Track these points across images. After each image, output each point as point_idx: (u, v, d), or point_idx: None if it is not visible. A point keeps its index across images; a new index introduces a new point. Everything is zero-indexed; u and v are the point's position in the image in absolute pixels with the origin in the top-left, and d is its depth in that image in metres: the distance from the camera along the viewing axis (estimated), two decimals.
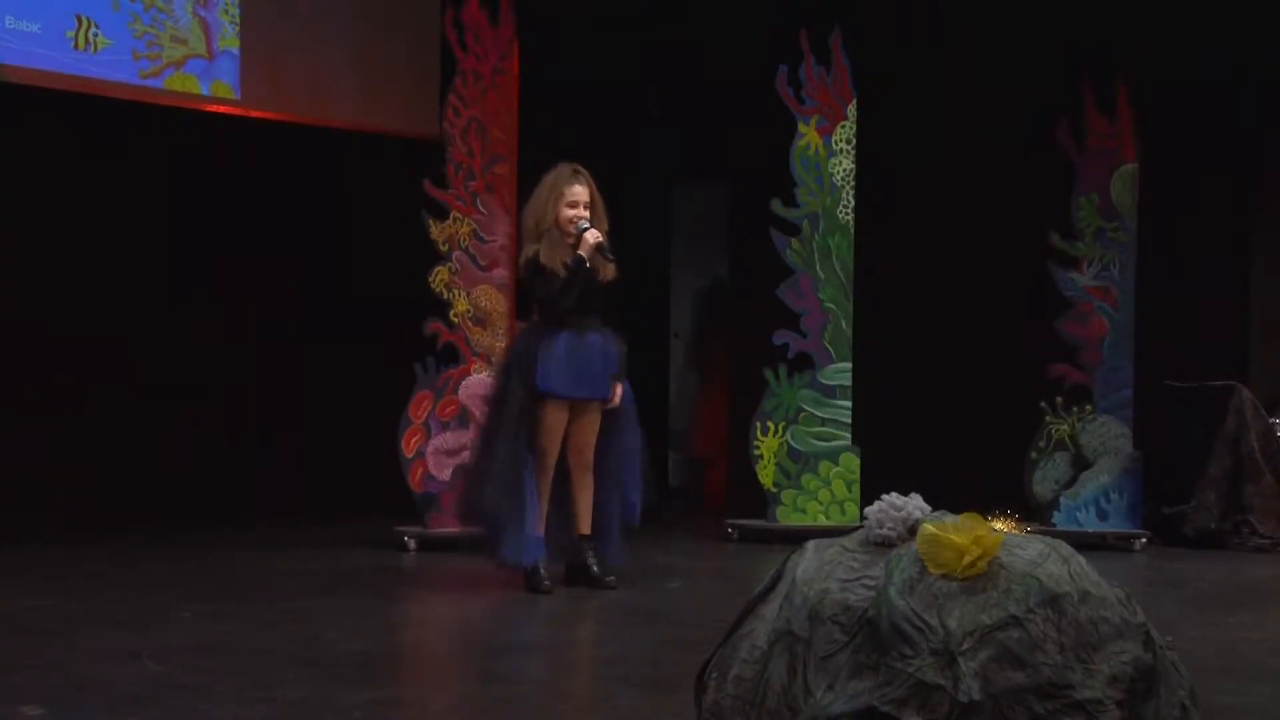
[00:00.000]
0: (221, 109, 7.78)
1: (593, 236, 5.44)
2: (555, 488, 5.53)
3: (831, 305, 7.47)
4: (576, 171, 5.59)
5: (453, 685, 3.94)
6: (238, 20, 7.74)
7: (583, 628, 4.82)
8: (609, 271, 5.53)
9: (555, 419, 5.44)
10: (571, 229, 5.47)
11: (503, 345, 7.08)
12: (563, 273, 5.40)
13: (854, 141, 7.33)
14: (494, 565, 5.53)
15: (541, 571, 5.48)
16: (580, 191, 5.53)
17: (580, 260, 5.42)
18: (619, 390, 5.60)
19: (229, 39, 7.74)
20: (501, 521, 5.37)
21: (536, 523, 5.42)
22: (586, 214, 5.51)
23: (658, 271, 10.14)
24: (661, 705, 3.55)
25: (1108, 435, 7.59)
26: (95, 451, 7.37)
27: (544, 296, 5.49)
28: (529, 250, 5.50)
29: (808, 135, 7.32)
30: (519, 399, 5.42)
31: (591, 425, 5.53)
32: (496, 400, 5.58)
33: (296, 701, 3.52)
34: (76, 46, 7.17)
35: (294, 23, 7.96)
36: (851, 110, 7.29)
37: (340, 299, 8.34)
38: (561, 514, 5.58)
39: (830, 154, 7.37)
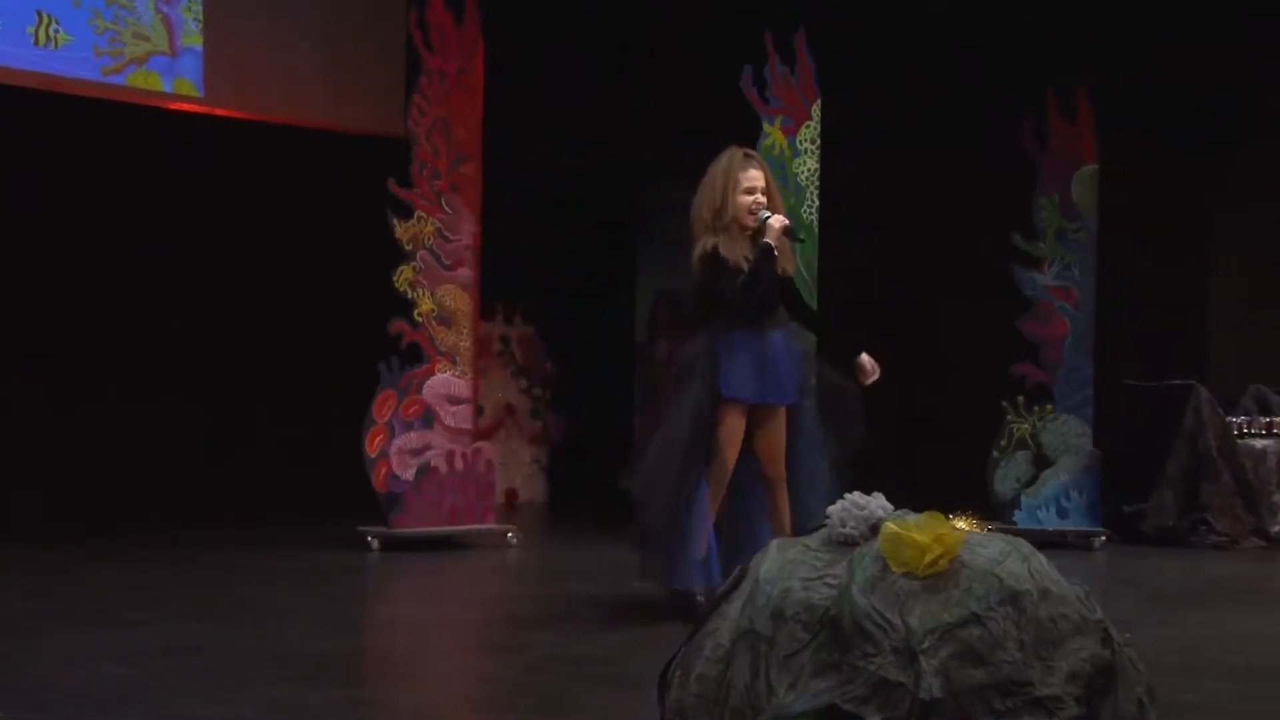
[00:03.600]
0: (184, 107, 7.74)
1: (778, 221, 4.91)
2: (731, 502, 5.00)
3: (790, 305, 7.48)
4: (749, 155, 5.06)
5: (419, 685, 3.94)
6: (201, 17, 7.70)
7: (549, 627, 4.82)
8: (789, 265, 5.05)
9: (736, 425, 4.90)
10: (751, 219, 4.93)
11: (467, 344, 7.08)
12: (745, 266, 4.87)
13: (818, 142, 7.35)
14: (667, 592, 4.96)
15: (700, 599, 4.73)
16: (756, 176, 4.97)
17: (768, 249, 4.88)
18: (869, 362, 5.08)
19: (192, 36, 7.70)
20: (670, 545, 4.84)
21: (700, 544, 4.85)
22: (765, 200, 4.97)
23: (624, 272, 10.16)
24: (627, 704, 3.57)
25: (1068, 434, 7.67)
26: (59, 452, 7.32)
27: (726, 294, 4.90)
28: (706, 243, 4.92)
29: (772, 135, 7.34)
30: (701, 406, 4.89)
31: (780, 432, 4.98)
32: (676, 408, 4.96)
33: (264, 702, 3.51)
34: (37, 43, 7.12)
35: (258, 21, 7.93)
36: (816, 110, 7.31)
37: (304, 298, 8.31)
38: (738, 532, 5.01)
39: (795, 154, 7.39)
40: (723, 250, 4.88)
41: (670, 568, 4.88)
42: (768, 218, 4.90)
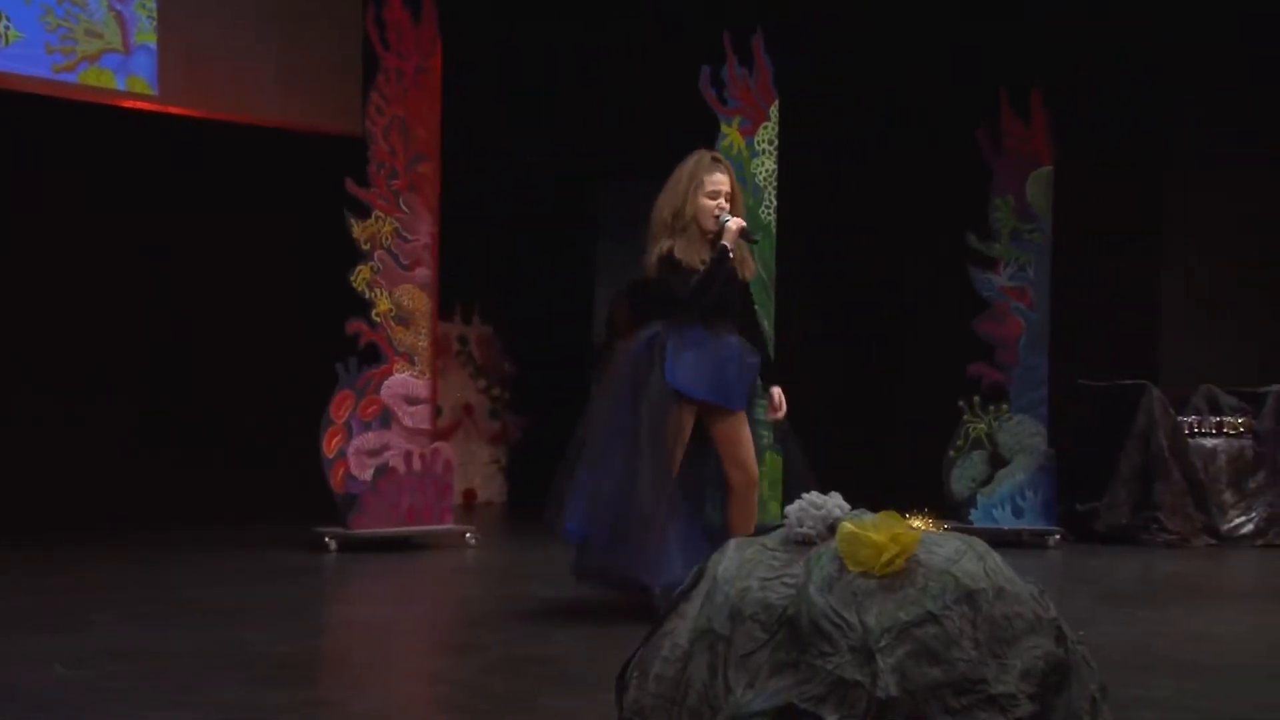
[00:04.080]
0: (139, 105, 7.67)
1: (735, 224, 4.86)
2: (690, 501, 4.88)
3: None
4: (716, 159, 5.02)
5: (378, 686, 3.93)
6: (155, 14, 7.63)
7: (507, 627, 4.82)
8: (748, 270, 5.00)
9: (684, 422, 4.79)
10: (713, 222, 4.88)
11: (425, 345, 7.06)
12: (701, 269, 4.83)
13: (776, 142, 7.38)
14: (654, 598, 4.62)
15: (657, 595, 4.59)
16: (721, 180, 4.92)
17: (724, 251, 4.83)
18: (779, 398, 5.03)
19: (146, 33, 7.63)
20: (648, 546, 4.67)
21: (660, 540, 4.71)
22: (728, 205, 4.92)
23: (583, 272, 10.16)
24: (585, 704, 3.57)
25: (1023, 434, 7.73)
26: (10, 454, 7.24)
27: (679, 294, 4.85)
28: (662, 245, 4.88)
29: (731, 136, 7.36)
30: (661, 394, 4.77)
31: (740, 435, 4.87)
32: (630, 399, 4.83)
33: (221, 704, 3.49)
34: None
35: (213, 18, 7.87)
36: (774, 111, 7.34)
37: (260, 298, 8.26)
38: (696, 529, 4.88)
39: (753, 155, 7.42)
40: (678, 253, 4.84)
41: (655, 572, 4.68)
42: (726, 220, 4.87)
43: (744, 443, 4.89)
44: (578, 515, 4.84)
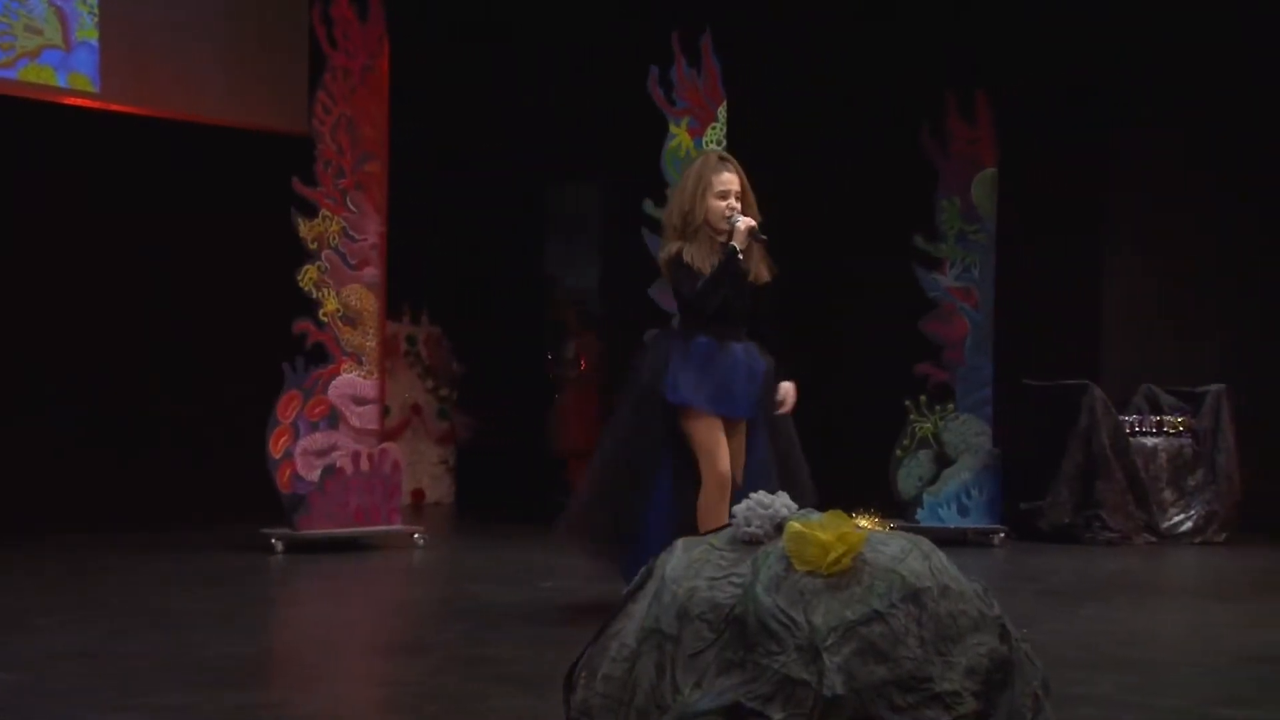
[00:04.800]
0: (80, 102, 7.58)
1: (744, 223, 4.69)
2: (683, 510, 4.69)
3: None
4: (723, 158, 4.85)
5: (325, 688, 3.91)
6: (96, 10, 7.54)
7: (455, 628, 4.81)
8: (760, 273, 4.80)
9: (712, 432, 4.65)
10: (723, 224, 4.73)
11: (373, 344, 7.02)
12: (709, 271, 4.68)
13: (724, 143, 7.41)
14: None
15: None
16: (730, 179, 4.75)
17: (732, 251, 4.66)
18: (784, 391, 4.85)
19: (87, 30, 7.54)
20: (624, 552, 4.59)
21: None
22: (739, 205, 4.76)
23: (531, 272, 10.15)
24: (533, 705, 3.57)
25: (968, 433, 7.81)
26: None
27: (685, 296, 4.73)
28: (671, 247, 4.76)
29: (679, 136, 7.38)
30: (644, 417, 4.69)
31: (734, 444, 4.74)
32: (619, 423, 4.79)
33: (165, 708, 3.46)
34: None
35: (156, 14, 7.79)
36: (722, 112, 7.36)
37: (206, 298, 8.19)
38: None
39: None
40: (687, 256, 4.70)
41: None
42: (736, 221, 4.71)
43: (740, 454, 4.74)
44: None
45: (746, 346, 4.80)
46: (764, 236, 4.72)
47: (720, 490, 4.60)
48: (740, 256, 4.68)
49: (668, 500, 4.69)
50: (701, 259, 4.69)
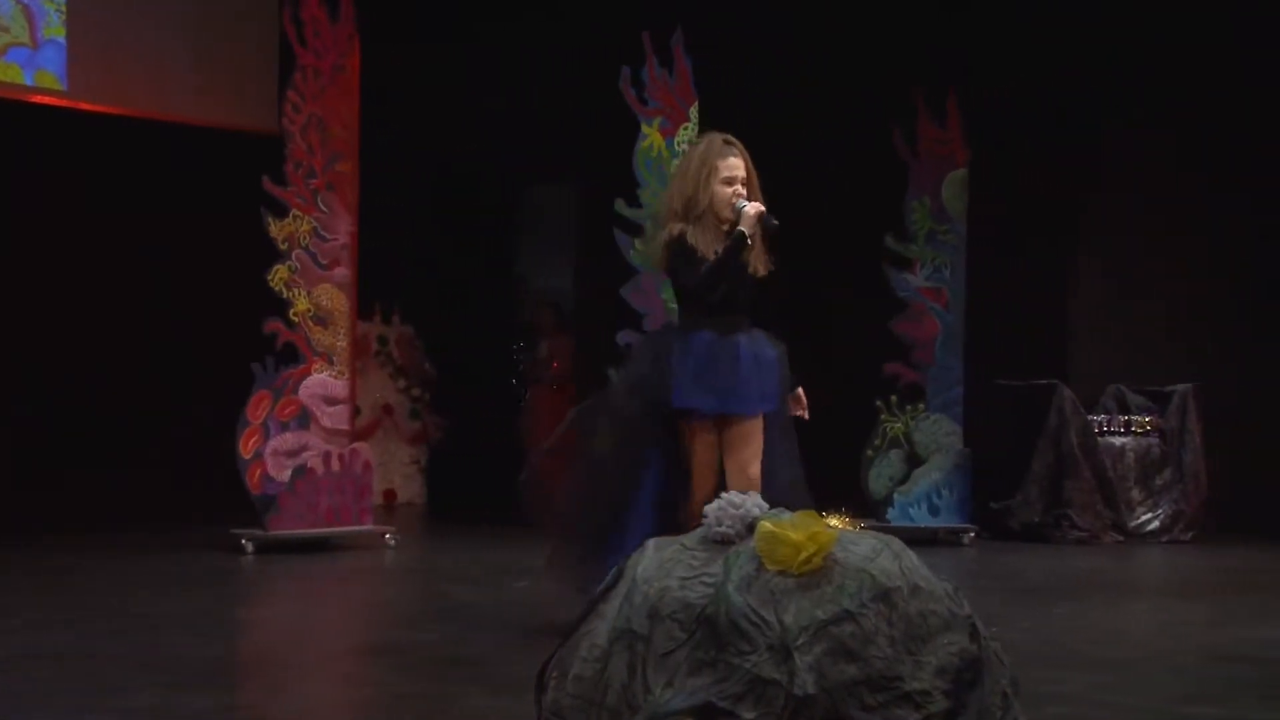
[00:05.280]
0: (47, 100, 7.52)
1: (753, 209, 4.40)
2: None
3: (674, 305, 7.52)
4: (729, 142, 4.53)
5: (297, 689, 3.89)
6: (64, 8, 7.49)
7: (426, 628, 4.79)
8: (761, 264, 4.50)
9: (705, 446, 4.37)
10: (730, 210, 4.43)
11: (344, 344, 6.99)
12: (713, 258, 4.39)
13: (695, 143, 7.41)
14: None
15: None
16: (736, 164, 4.47)
17: (740, 238, 4.37)
18: (801, 397, 4.65)
19: (54, 27, 7.48)
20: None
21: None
22: (745, 191, 4.48)
23: (503, 272, 10.14)
24: (504, 705, 3.57)
25: (939, 433, 7.83)
26: None
27: (688, 285, 4.44)
28: (673, 228, 4.44)
29: (651, 136, 7.38)
30: (645, 423, 4.36)
31: (751, 444, 4.40)
32: (606, 427, 4.45)
33: (137, 709, 3.44)
34: None
35: (124, 12, 7.75)
36: (694, 112, 7.37)
37: (176, 298, 8.14)
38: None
39: (673, 155, 7.44)
40: (691, 239, 4.40)
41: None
42: (743, 207, 4.43)
43: (751, 444, 4.41)
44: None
45: (751, 336, 4.49)
46: (775, 222, 4.45)
47: (694, 508, 4.21)
48: (750, 243, 4.40)
49: (651, 504, 4.42)
50: (705, 244, 4.41)
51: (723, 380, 4.36)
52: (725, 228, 4.45)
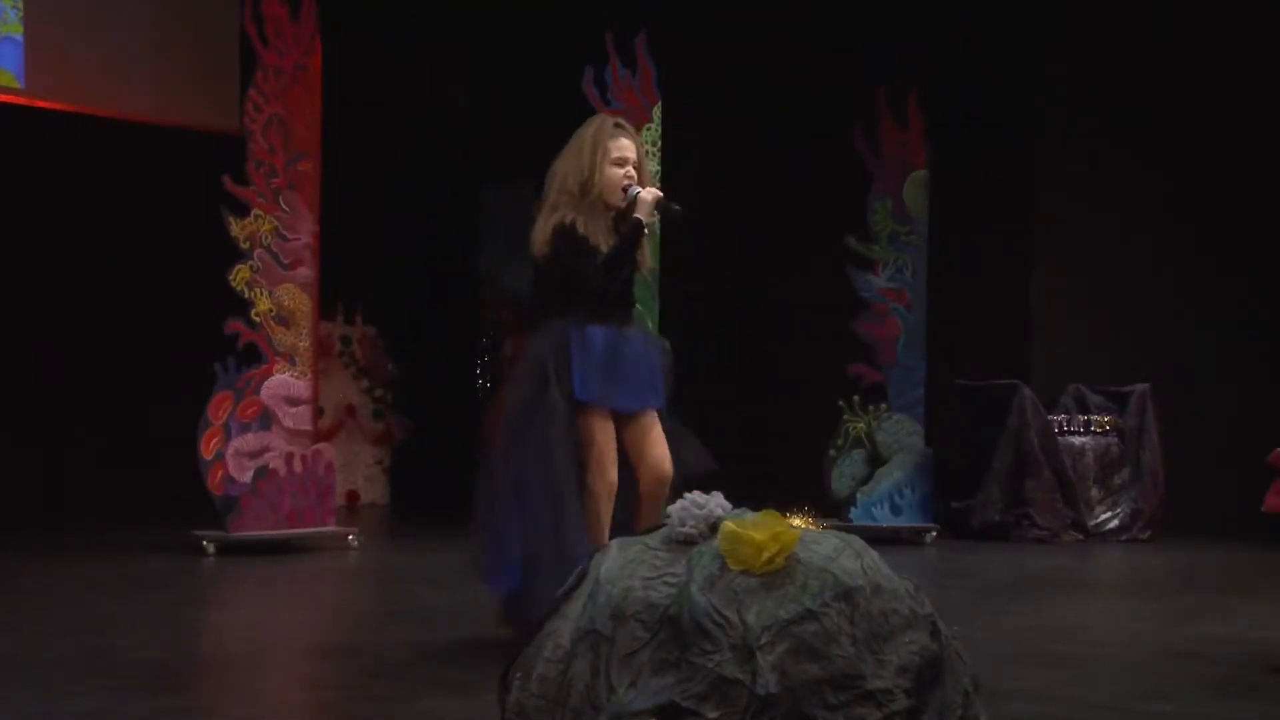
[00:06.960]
0: (4, 98, 7.45)
1: (650, 194, 4.22)
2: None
3: (637, 305, 7.54)
4: (619, 125, 4.36)
5: (254, 692, 3.86)
6: (21, 5, 7.42)
7: (388, 630, 4.78)
8: (646, 260, 4.40)
9: (607, 434, 4.19)
10: (620, 195, 4.24)
11: (306, 345, 6.96)
12: (605, 248, 4.19)
13: (659, 144, 7.42)
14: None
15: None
16: (627, 145, 4.28)
17: (638, 225, 4.21)
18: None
19: (11, 25, 7.41)
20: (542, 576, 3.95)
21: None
22: (635, 174, 4.28)
23: (466, 272, 10.11)
24: (467, 707, 3.56)
25: (901, 433, 7.88)
26: None
27: (585, 277, 4.18)
28: (564, 216, 4.19)
29: None
30: (561, 411, 4.14)
31: (648, 431, 4.28)
32: (526, 417, 4.18)
33: (85, 713, 3.40)
34: None
35: (83, 9, 7.68)
36: (657, 113, 7.38)
37: (135, 298, 8.08)
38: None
39: None
40: (582, 228, 4.17)
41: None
42: (637, 192, 4.24)
43: (657, 441, 4.28)
44: (509, 562, 4.18)
45: (645, 333, 4.49)
46: (677, 208, 4.28)
47: (610, 499, 4.19)
48: (646, 232, 4.26)
49: (546, 493, 4.14)
50: (597, 233, 4.19)
51: (629, 377, 4.23)
52: (613, 213, 4.26)
